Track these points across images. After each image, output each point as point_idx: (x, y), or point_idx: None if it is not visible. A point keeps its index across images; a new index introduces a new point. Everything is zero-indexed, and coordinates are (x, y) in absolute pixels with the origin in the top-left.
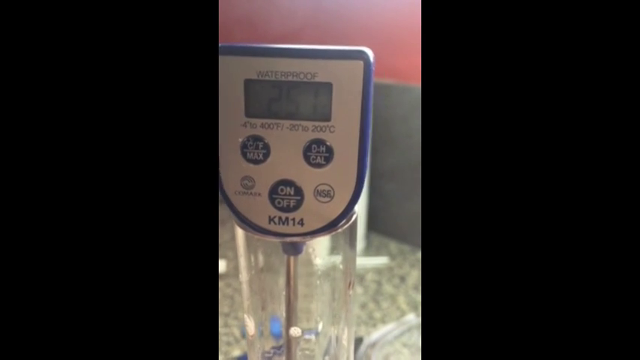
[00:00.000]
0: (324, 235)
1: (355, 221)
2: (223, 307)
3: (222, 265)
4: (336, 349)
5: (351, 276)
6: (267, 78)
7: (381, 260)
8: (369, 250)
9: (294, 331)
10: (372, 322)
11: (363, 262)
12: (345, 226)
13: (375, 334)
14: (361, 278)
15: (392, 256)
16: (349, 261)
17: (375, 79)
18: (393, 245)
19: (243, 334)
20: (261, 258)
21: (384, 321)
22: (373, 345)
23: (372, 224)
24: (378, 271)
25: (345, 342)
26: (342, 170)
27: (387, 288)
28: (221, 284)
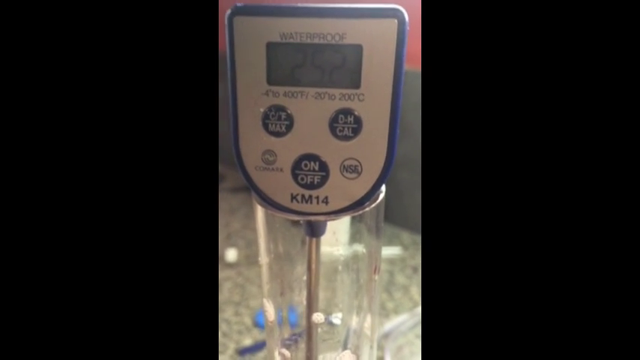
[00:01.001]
0: (349, 214)
1: (382, 201)
2: (234, 295)
3: (233, 254)
4: (359, 339)
5: (376, 260)
6: (291, 40)
7: (394, 251)
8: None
9: (317, 317)
10: (385, 313)
11: None
12: (372, 205)
13: (388, 325)
14: None
15: (404, 247)
16: (375, 245)
17: None
18: (406, 235)
19: (255, 324)
20: (280, 244)
21: (396, 312)
22: (386, 336)
23: (385, 214)
24: (391, 261)
25: (368, 331)
26: (371, 143)
27: (400, 278)
28: (232, 273)
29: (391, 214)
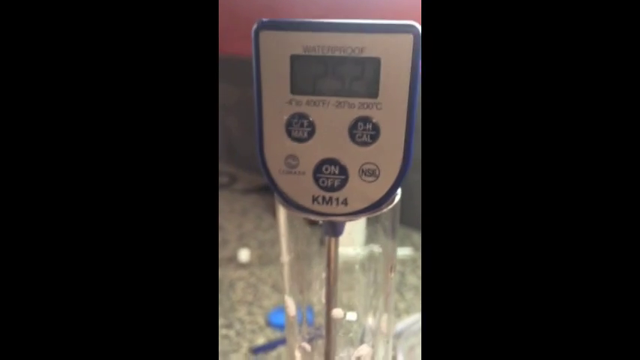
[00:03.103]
0: (367, 215)
1: (398, 203)
2: (247, 295)
3: (245, 255)
4: (375, 336)
5: (392, 259)
6: (313, 53)
7: (405, 251)
8: None
9: (337, 312)
10: (397, 313)
11: None
12: (389, 207)
13: (400, 326)
14: None
15: (415, 247)
16: (391, 244)
17: None
18: (417, 236)
19: (268, 323)
20: (300, 243)
21: (408, 312)
22: (398, 336)
23: None
24: (402, 262)
25: (384, 325)
26: (388, 149)
27: (411, 279)
28: (245, 273)
29: (402, 215)
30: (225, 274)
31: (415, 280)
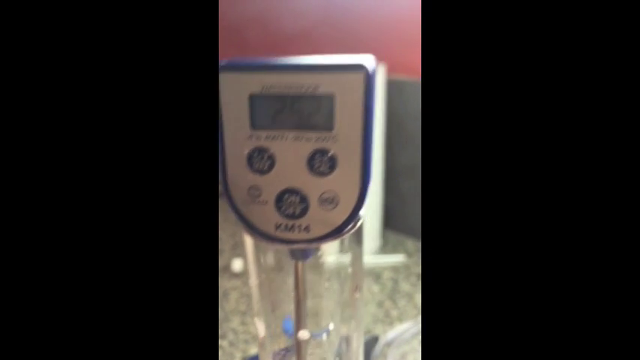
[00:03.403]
0: (329, 241)
1: (362, 226)
2: (240, 305)
3: (239, 264)
4: (347, 352)
5: (358, 280)
6: (271, 91)
7: (398, 258)
8: (385, 248)
9: (302, 333)
10: (389, 321)
11: (379, 260)
12: (352, 231)
13: (392, 333)
14: (378, 276)
15: (409, 254)
16: (356, 264)
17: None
18: (410, 243)
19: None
20: (271, 259)
21: (400, 319)
22: (390, 343)
23: (389, 222)
24: (395, 269)
25: (354, 344)
26: (345, 178)
27: (404, 286)
28: (238, 283)
29: (395, 222)
30: (219, 283)
31: (408, 287)
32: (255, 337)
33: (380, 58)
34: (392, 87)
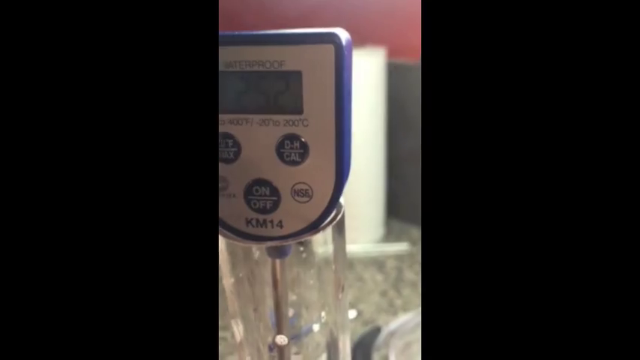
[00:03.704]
0: (305, 237)
1: (342, 218)
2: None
3: None
4: (334, 353)
5: (340, 280)
6: (233, 69)
7: (402, 246)
8: (389, 237)
9: (279, 339)
10: (393, 310)
11: (383, 248)
12: (332, 224)
13: (395, 322)
14: (381, 265)
15: (413, 242)
16: (339, 259)
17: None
18: (414, 231)
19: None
20: (256, 253)
21: (404, 309)
22: (393, 333)
23: (392, 210)
24: (399, 257)
25: (340, 345)
26: (319, 167)
27: (408, 275)
28: None
29: (399, 210)
30: None
31: (412, 275)
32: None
33: (381, 41)
34: (394, 71)
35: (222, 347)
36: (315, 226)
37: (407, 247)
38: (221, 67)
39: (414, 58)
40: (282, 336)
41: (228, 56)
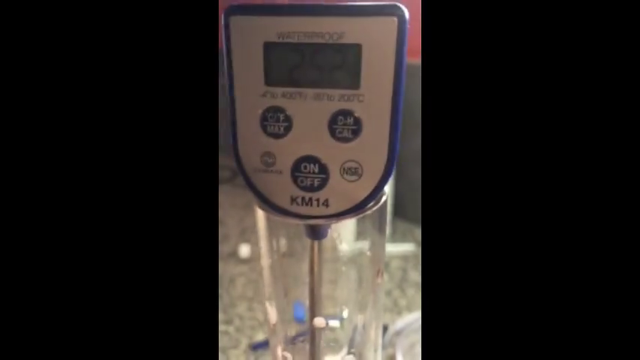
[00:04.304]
0: (350, 217)
1: (385, 204)
2: (248, 291)
3: (246, 250)
4: (363, 339)
5: (379, 263)
6: (288, 40)
7: (407, 247)
8: (394, 237)
9: (318, 321)
10: (397, 310)
11: (388, 248)
12: (374, 208)
13: (401, 322)
14: (387, 265)
15: (418, 243)
16: (378, 248)
17: None
18: (419, 232)
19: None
20: (283, 242)
21: (409, 309)
22: (398, 333)
23: (398, 210)
24: (404, 258)
25: (372, 332)
26: (371, 145)
27: (413, 275)
28: (245, 269)
29: (404, 210)
30: (225, 269)
31: (417, 276)
32: (261, 323)
33: None
34: None
35: (224, 342)
36: (361, 206)
37: (412, 248)
38: (275, 38)
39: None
40: (320, 318)
41: (282, 27)
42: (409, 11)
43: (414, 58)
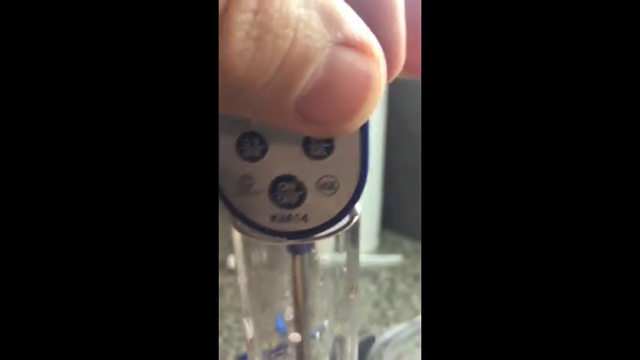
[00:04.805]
0: (328, 235)
1: (358, 223)
2: (236, 302)
3: (234, 261)
4: (340, 355)
5: (352, 280)
6: None
7: (395, 258)
8: (383, 248)
9: (293, 336)
10: (385, 321)
11: (376, 260)
12: (348, 227)
13: (388, 334)
14: (375, 276)
15: (406, 254)
16: (352, 263)
17: None
18: (408, 243)
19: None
20: (264, 255)
21: (397, 320)
22: (386, 344)
23: (386, 222)
24: (392, 269)
25: (348, 348)
26: (344, 159)
27: (401, 287)
28: (233, 279)
29: (393, 222)
30: None
31: (405, 287)
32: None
33: None
34: (393, 86)
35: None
36: (338, 219)
37: (400, 259)
38: None
39: (413, 74)
40: (296, 334)
41: None
42: (416, 30)
43: (401, 74)
